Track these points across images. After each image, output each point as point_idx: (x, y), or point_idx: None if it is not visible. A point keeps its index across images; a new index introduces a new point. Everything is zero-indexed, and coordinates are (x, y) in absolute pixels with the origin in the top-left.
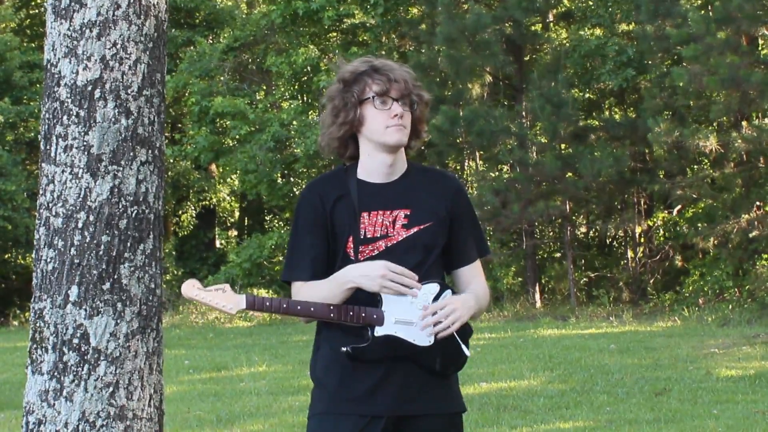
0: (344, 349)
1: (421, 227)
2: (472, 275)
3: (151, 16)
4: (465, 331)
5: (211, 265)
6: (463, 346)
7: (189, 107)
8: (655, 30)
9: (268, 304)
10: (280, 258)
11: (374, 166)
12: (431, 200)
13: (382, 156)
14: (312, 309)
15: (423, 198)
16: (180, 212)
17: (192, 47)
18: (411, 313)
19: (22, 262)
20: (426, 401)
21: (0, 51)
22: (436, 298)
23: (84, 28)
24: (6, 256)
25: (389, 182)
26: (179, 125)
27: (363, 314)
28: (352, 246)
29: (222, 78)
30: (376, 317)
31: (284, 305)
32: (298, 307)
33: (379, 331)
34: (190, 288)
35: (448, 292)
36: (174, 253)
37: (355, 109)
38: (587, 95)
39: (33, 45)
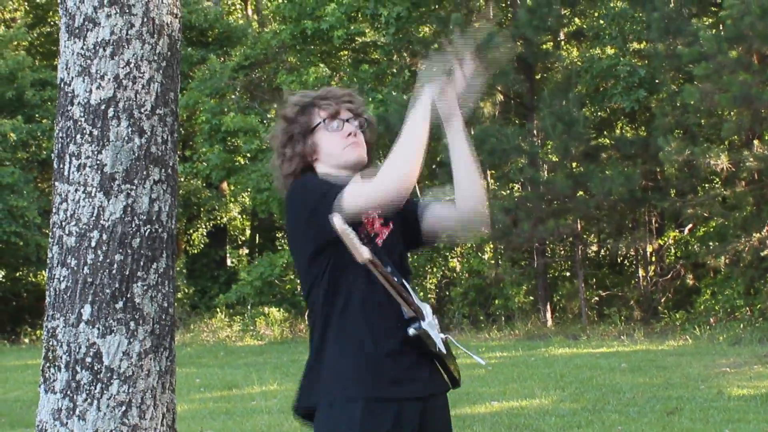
0: (411, 330)
1: (393, 226)
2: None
3: (164, 35)
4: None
5: (222, 284)
6: (476, 357)
7: (200, 125)
8: (666, 49)
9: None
10: (291, 276)
11: None
12: None
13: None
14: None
15: None
16: (191, 230)
17: (203, 65)
18: (433, 320)
19: (33, 279)
20: (439, 379)
21: (12, 69)
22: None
23: (97, 47)
24: (17, 274)
25: None
26: (190, 143)
27: (415, 305)
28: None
29: (233, 96)
30: (422, 311)
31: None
32: (395, 279)
33: (422, 325)
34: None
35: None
36: (185, 271)
37: (304, 139)
38: (599, 114)
39: (45, 63)
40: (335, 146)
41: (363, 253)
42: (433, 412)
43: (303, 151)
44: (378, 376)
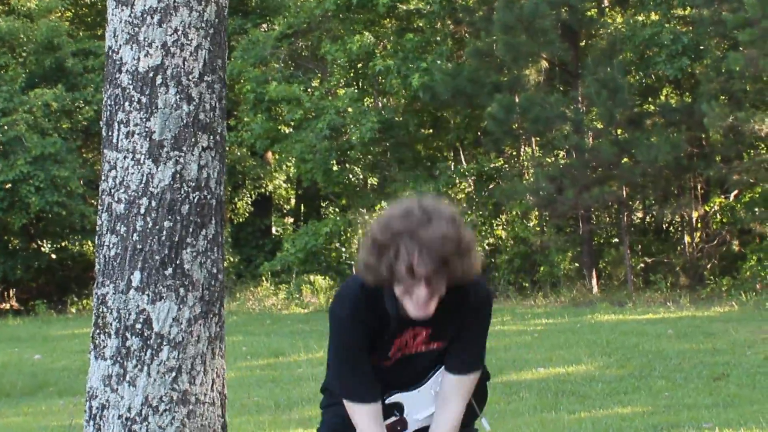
0: None
1: (441, 344)
2: (452, 391)
3: (211, 3)
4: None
5: (267, 252)
6: (484, 420)
7: (244, 95)
8: (711, 14)
9: None
10: (337, 245)
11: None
12: (454, 317)
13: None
14: None
15: (447, 316)
16: (236, 199)
17: (246, 35)
18: (431, 404)
19: (78, 249)
20: None
21: (48, 36)
22: None
23: (145, 15)
24: (63, 244)
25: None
26: (235, 112)
27: None
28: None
29: (276, 65)
30: (400, 429)
31: None
32: None
33: None
34: None
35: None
36: (230, 240)
37: (385, 271)
38: (643, 81)
39: (89, 33)
40: (402, 296)
41: None
42: None
43: (385, 277)
44: None
